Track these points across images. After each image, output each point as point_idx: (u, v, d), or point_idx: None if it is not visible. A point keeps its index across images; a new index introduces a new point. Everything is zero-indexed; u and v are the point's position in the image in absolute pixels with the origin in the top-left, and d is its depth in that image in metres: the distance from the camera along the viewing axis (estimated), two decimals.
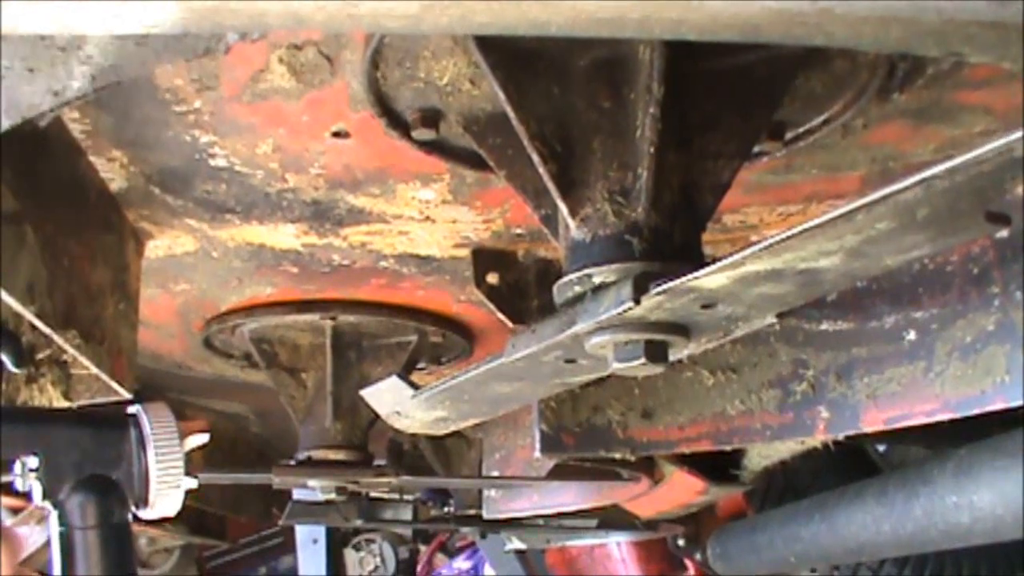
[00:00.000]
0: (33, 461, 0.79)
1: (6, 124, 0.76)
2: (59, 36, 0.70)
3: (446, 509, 3.35)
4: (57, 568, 0.79)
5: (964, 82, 1.26)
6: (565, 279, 1.10)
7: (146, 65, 0.77)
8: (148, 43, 0.71)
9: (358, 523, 2.64)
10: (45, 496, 0.79)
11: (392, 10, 0.52)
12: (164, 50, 0.74)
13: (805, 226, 0.86)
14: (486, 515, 2.49)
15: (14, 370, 0.80)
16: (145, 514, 0.83)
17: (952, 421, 1.51)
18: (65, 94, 0.76)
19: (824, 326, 1.61)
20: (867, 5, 0.54)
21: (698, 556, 2.84)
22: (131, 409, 0.84)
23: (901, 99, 1.27)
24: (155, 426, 0.82)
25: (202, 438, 0.84)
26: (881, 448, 2.77)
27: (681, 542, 2.91)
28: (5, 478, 0.80)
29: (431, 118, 1.25)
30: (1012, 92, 1.29)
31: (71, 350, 1.27)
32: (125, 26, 0.55)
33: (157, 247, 1.67)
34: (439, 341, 2.06)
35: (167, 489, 0.81)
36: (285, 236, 1.62)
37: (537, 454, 1.71)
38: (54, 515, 0.79)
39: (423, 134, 1.27)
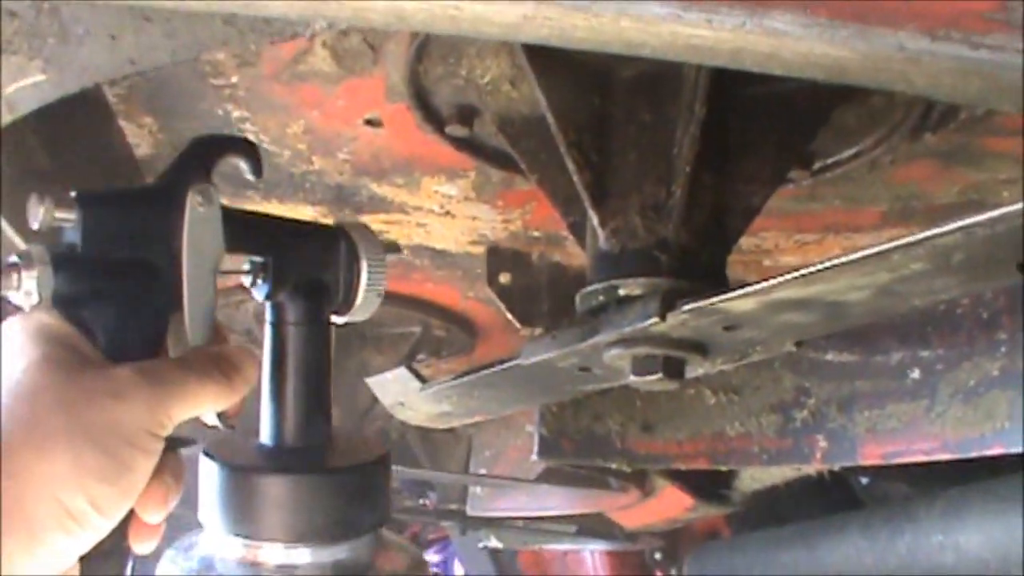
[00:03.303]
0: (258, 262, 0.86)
1: (76, 87, 0.76)
2: (147, 6, 0.70)
3: (421, 501, 3.36)
4: (267, 358, 0.86)
5: (995, 129, 1.27)
6: (589, 288, 1.11)
7: (229, 44, 0.78)
8: (236, 23, 0.72)
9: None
10: (268, 296, 0.85)
11: (494, 16, 0.53)
12: (251, 31, 0.75)
13: (840, 260, 0.87)
14: (470, 511, 2.50)
15: (252, 178, 0.84)
16: (340, 318, 0.90)
17: (941, 462, 1.53)
18: (142, 63, 0.77)
19: (830, 356, 1.62)
20: (953, 58, 0.55)
21: (673, 572, 2.86)
22: (338, 223, 0.90)
23: (931, 140, 1.28)
24: (363, 239, 0.89)
25: (397, 255, 0.92)
26: (864, 481, 2.78)
27: (658, 555, 2.91)
28: (242, 278, 0.86)
29: (467, 115, 1.26)
30: None
31: None
32: (229, 6, 0.56)
33: None
34: (442, 335, 2.06)
35: (372, 296, 0.88)
36: (303, 218, 1.62)
37: (535, 457, 1.72)
38: (270, 311, 0.86)
39: (457, 130, 1.27)
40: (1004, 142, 1.30)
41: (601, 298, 1.09)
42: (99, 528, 0.73)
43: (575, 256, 1.67)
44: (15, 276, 0.74)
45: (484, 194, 1.49)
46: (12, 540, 0.69)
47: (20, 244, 1.14)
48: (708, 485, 2.14)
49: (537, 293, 1.69)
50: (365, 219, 1.60)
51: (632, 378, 1.09)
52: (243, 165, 0.86)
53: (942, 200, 1.45)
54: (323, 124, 1.34)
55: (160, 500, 0.78)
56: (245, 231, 0.84)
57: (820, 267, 0.88)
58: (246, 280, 0.87)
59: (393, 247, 0.90)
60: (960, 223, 0.80)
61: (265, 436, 0.87)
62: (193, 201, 0.79)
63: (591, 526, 2.66)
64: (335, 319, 0.89)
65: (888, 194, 1.44)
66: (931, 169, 1.37)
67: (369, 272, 0.88)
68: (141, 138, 1.43)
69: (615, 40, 0.55)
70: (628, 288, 1.07)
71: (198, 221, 0.80)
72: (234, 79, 1.26)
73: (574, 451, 1.72)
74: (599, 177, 1.10)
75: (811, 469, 1.75)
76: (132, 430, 0.72)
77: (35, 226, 0.76)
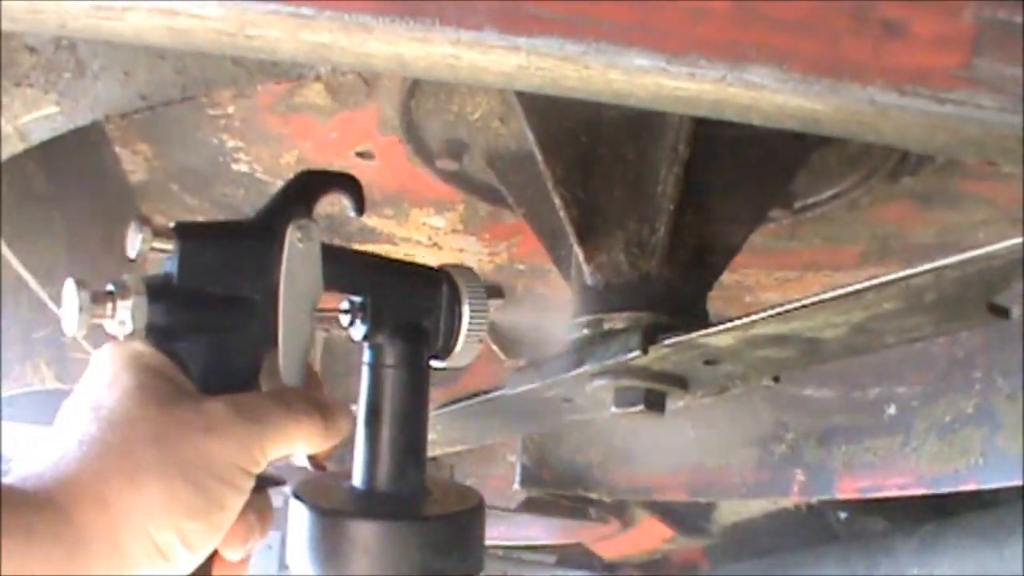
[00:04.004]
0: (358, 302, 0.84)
1: (88, 119, 0.78)
2: (160, 45, 0.73)
3: None
4: (363, 400, 0.84)
5: (970, 172, 1.31)
6: (574, 321, 1.13)
7: (238, 83, 0.81)
8: (245, 63, 0.74)
9: None
10: (366, 336, 0.83)
11: (491, 66, 0.55)
12: (259, 71, 0.77)
13: (817, 298, 0.89)
14: None
15: (353, 215, 0.83)
16: (439, 363, 0.88)
17: (918, 497, 1.55)
18: (153, 98, 0.79)
19: (808, 391, 1.65)
20: (920, 112, 0.58)
21: None
22: (442, 266, 0.88)
23: (909, 182, 1.32)
24: (467, 283, 0.86)
25: (500, 301, 0.90)
26: (843, 516, 2.80)
27: None
28: (340, 317, 0.84)
29: (457, 150, 1.29)
30: (1013, 185, 1.33)
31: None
32: (241, 49, 0.59)
33: None
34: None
35: (473, 343, 0.86)
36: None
37: (516, 486, 1.74)
38: (368, 352, 0.84)
39: (446, 164, 1.30)
40: (979, 185, 1.34)
41: (585, 331, 1.12)
42: (185, 564, 0.71)
43: (559, 288, 1.70)
44: (110, 305, 0.73)
45: (471, 227, 1.51)
46: (100, 572, 0.67)
47: (20, 268, 1.16)
48: (687, 517, 2.16)
49: (522, 325, 1.71)
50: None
51: (614, 410, 1.12)
52: (345, 202, 0.85)
53: (919, 240, 1.48)
54: (315, 155, 1.37)
55: (244, 538, 0.76)
56: (345, 269, 0.82)
57: (797, 304, 0.91)
58: (344, 320, 0.85)
59: (496, 292, 0.88)
60: (931, 265, 0.83)
61: (357, 479, 0.84)
62: (293, 237, 0.78)
63: (571, 556, 2.67)
64: (434, 364, 0.87)
65: (867, 233, 1.48)
66: (909, 210, 1.40)
67: (471, 317, 0.86)
68: (136, 165, 1.46)
69: (604, 90, 0.58)
70: (612, 322, 1.10)
71: (297, 257, 0.78)
72: (230, 109, 1.29)
73: (555, 481, 1.74)
74: (585, 213, 1.13)
75: (788, 502, 1.77)
76: (224, 466, 0.71)
77: (132, 255, 0.75)
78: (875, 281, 0.86)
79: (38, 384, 1.70)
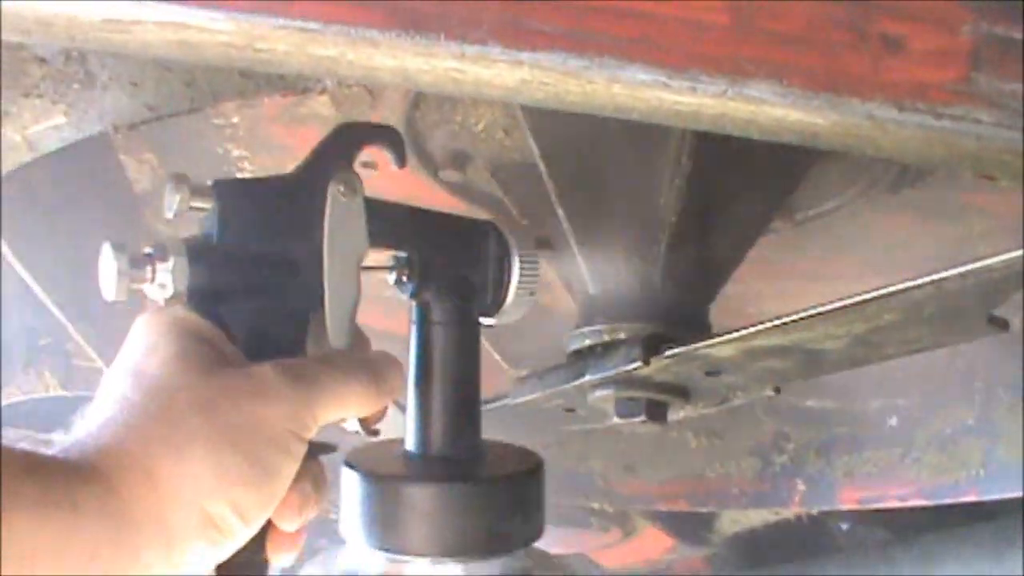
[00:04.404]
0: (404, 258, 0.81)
1: (96, 130, 0.79)
2: (169, 58, 0.74)
3: None
4: (413, 360, 0.81)
5: (970, 185, 1.31)
6: (576, 331, 1.14)
7: (245, 95, 0.82)
8: (253, 75, 0.75)
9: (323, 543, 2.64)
10: (413, 294, 0.80)
11: (494, 80, 0.56)
12: (266, 84, 0.78)
13: (818, 310, 0.90)
14: None
15: (396, 167, 0.80)
16: (488, 320, 0.84)
17: (919, 508, 1.56)
18: (161, 109, 0.80)
19: (810, 402, 1.66)
20: (918, 127, 0.59)
21: None
22: (488, 219, 0.85)
23: (910, 193, 1.32)
24: (515, 234, 0.83)
25: (550, 253, 0.87)
26: (844, 527, 2.80)
27: None
28: (383, 274, 0.81)
29: (460, 161, 1.29)
30: (1014, 198, 1.34)
31: (82, 342, 1.30)
32: (249, 62, 0.60)
33: None
34: None
35: (524, 296, 0.84)
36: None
37: None
38: (416, 311, 0.81)
39: (450, 175, 1.31)
40: (980, 197, 1.34)
41: (587, 341, 1.12)
42: (240, 536, 0.68)
43: (562, 298, 1.71)
44: (149, 268, 0.70)
45: None
46: (151, 550, 0.64)
47: (24, 274, 1.16)
48: (689, 526, 2.16)
49: (524, 334, 1.72)
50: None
51: (616, 420, 1.12)
52: (387, 155, 0.83)
53: (920, 252, 1.49)
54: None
55: (298, 508, 0.73)
56: (389, 225, 0.80)
57: (799, 316, 0.91)
58: (390, 277, 0.83)
59: (545, 243, 0.87)
60: (932, 277, 0.84)
61: (411, 444, 0.82)
62: (335, 191, 0.76)
63: (571, 566, 2.67)
64: (484, 320, 0.85)
65: (867, 244, 1.48)
66: (910, 221, 1.40)
67: (521, 270, 0.84)
68: (141, 173, 1.46)
69: (607, 105, 0.59)
70: (613, 333, 1.10)
71: (340, 213, 0.75)
72: (235, 119, 1.30)
73: (557, 490, 1.74)
74: (587, 224, 1.14)
75: (789, 513, 1.77)
76: (275, 431, 0.68)
77: (170, 215, 0.73)
78: (876, 293, 0.87)
79: (42, 391, 1.71)
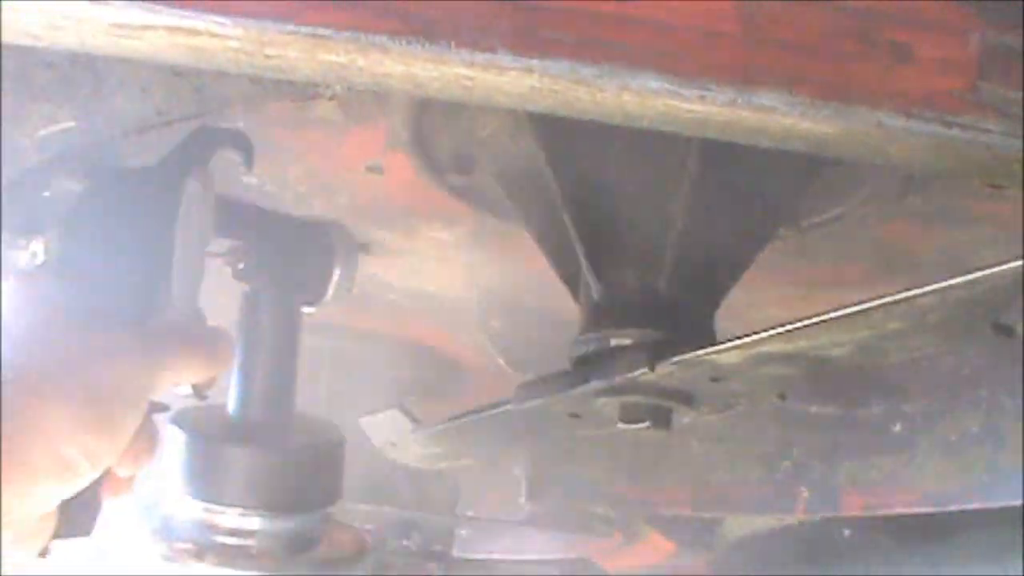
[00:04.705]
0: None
1: (104, 135, 0.80)
2: (179, 64, 0.74)
3: (404, 542, 3.34)
4: (240, 336, 0.96)
5: (976, 192, 1.31)
6: (582, 337, 1.14)
7: (254, 102, 0.83)
8: (262, 81, 0.77)
9: None
10: (246, 279, 0.96)
11: (504, 87, 0.57)
12: (275, 90, 0.79)
13: (822, 316, 0.90)
14: (456, 554, 2.51)
15: (245, 168, 0.93)
16: (311, 308, 1.04)
17: (922, 515, 1.55)
18: (169, 115, 0.82)
19: (813, 409, 1.65)
20: (927, 135, 0.59)
21: None
22: (322, 221, 1.04)
23: (916, 200, 1.32)
24: (340, 237, 1.04)
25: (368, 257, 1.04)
26: (847, 532, 2.80)
27: None
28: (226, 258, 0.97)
29: (466, 166, 1.29)
30: (1018, 205, 1.34)
31: None
32: (268, 72, 0.60)
33: None
34: (432, 378, 2.09)
35: (342, 292, 1.06)
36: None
37: (523, 500, 1.74)
38: (247, 294, 0.96)
39: (456, 180, 1.31)
40: (985, 204, 1.34)
41: (592, 347, 1.12)
42: (87, 478, 0.78)
43: (567, 304, 1.71)
44: (22, 239, 0.82)
45: (480, 241, 1.52)
46: (10, 485, 0.73)
47: None
48: (691, 532, 2.16)
49: (529, 339, 1.72)
50: (362, 262, 1.63)
51: (620, 425, 1.12)
52: (235, 157, 0.96)
53: (925, 258, 1.49)
54: (325, 169, 1.37)
55: (135, 457, 0.83)
56: (233, 217, 0.94)
57: (803, 323, 0.92)
58: (229, 261, 0.96)
59: (366, 248, 1.02)
60: (937, 284, 0.84)
61: (232, 409, 0.94)
62: (192, 184, 0.87)
63: (574, 570, 2.67)
64: (306, 308, 0.98)
65: (872, 251, 1.48)
66: (915, 228, 1.40)
67: (343, 269, 0.98)
68: None
69: (616, 112, 0.60)
70: (619, 338, 1.10)
71: (194, 202, 0.87)
72: (240, 123, 1.30)
73: (561, 494, 1.75)
74: (594, 230, 1.14)
75: (793, 518, 1.77)
76: (126, 389, 0.79)
77: (47, 192, 0.86)
78: (881, 300, 0.87)
79: None
